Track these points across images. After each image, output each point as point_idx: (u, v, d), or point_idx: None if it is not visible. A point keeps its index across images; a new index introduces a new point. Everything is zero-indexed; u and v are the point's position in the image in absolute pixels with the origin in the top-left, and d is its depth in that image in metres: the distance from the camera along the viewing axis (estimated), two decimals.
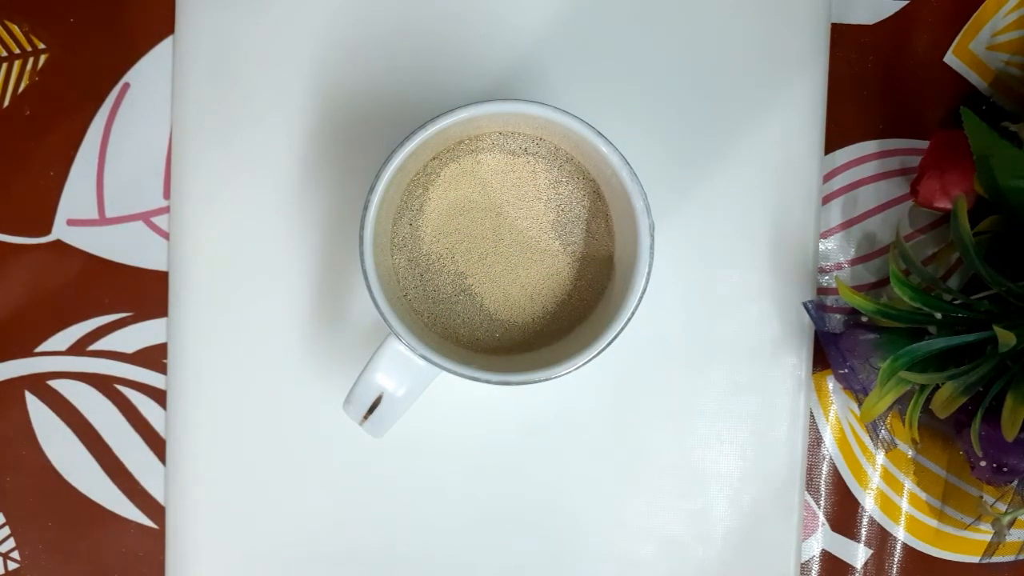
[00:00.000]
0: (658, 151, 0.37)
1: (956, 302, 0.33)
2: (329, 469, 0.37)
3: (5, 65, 0.37)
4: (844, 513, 0.38)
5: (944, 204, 0.35)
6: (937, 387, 0.33)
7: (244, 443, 0.37)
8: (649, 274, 0.30)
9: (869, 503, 0.38)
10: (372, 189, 0.29)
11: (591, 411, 0.37)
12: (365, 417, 0.31)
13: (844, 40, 0.37)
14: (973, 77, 0.38)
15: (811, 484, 0.38)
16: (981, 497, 0.38)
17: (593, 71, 0.37)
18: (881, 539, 0.38)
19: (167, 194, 0.37)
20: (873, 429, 0.38)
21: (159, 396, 0.38)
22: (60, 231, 0.37)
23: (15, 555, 0.38)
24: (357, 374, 0.31)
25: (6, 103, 0.37)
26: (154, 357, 0.37)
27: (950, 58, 0.38)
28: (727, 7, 0.37)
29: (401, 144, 0.29)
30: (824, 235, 0.38)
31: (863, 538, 0.38)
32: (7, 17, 0.37)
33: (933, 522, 0.38)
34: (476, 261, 0.33)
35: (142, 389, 0.38)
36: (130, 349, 0.38)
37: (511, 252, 0.33)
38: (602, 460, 0.37)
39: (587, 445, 0.37)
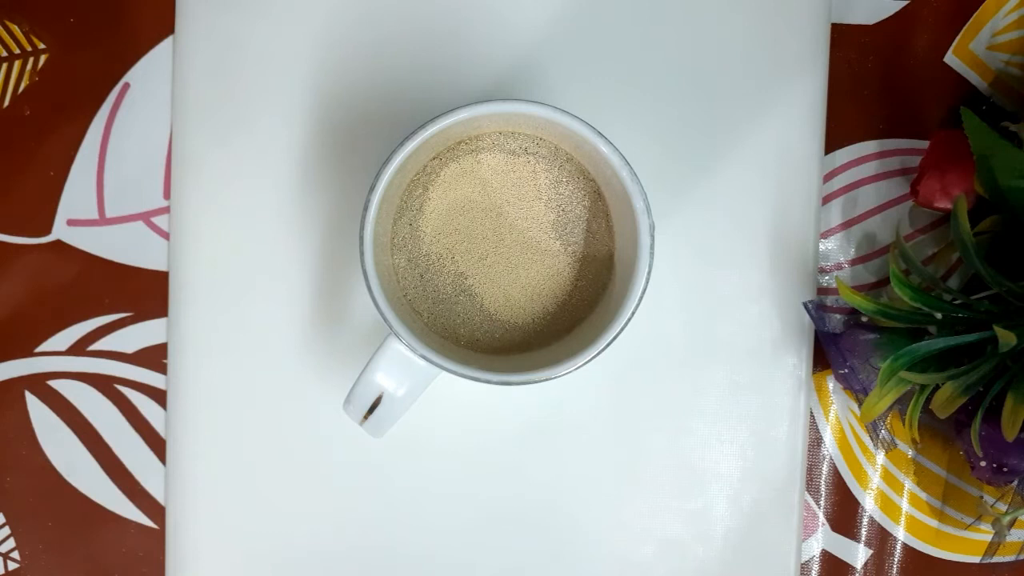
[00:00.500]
0: (658, 151, 0.37)
1: (956, 302, 0.33)
2: (329, 469, 0.37)
3: (5, 65, 0.37)
4: (844, 513, 0.38)
5: (944, 204, 0.35)
6: (937, 387, 0.33)
7: (244, 443, 0.37)
8: (649, 274, 0.30)
9: (869, 503, 0.38)
10: (372, 189, 0.29)
11: (591, 411, 0.37)
12: (365, 417, 0.31)
13: (844, 40, 0.37)
14: (973, 77, 0.38)
15: (811, 484, 0.38)
16: (981, 497, 0.38)
17: (593, 71, 0.37)
18: (881, 539, 0.38)
19: (167, 194, 0.37)
20: (873, 429, 0.38)
21: (159, 396, 0.38)
22: (60, 231, 0.37)
23: (15, 555, 0.38)
24: (357, 374, 0.31)
25: (6, 103, 0.37)
26: (154, 357, 0.37)
27: (950, 58, 0.38)
28: (727, 7, 0.37)
29: (401, 144, 0.29)
30: (824, 235, 0.38)
31: (863, 538, 0.38)
32: (7, 17, 0.37)
33: (933, 522, 0.38)
34: (476, 261, 0.33)
35: (142, 389, 0.38)
36: (130, 349, 0.38)
37: (511, 252, 0.33)
38: (602, 460, 0.37)
39: (587, 445, 0.37)
